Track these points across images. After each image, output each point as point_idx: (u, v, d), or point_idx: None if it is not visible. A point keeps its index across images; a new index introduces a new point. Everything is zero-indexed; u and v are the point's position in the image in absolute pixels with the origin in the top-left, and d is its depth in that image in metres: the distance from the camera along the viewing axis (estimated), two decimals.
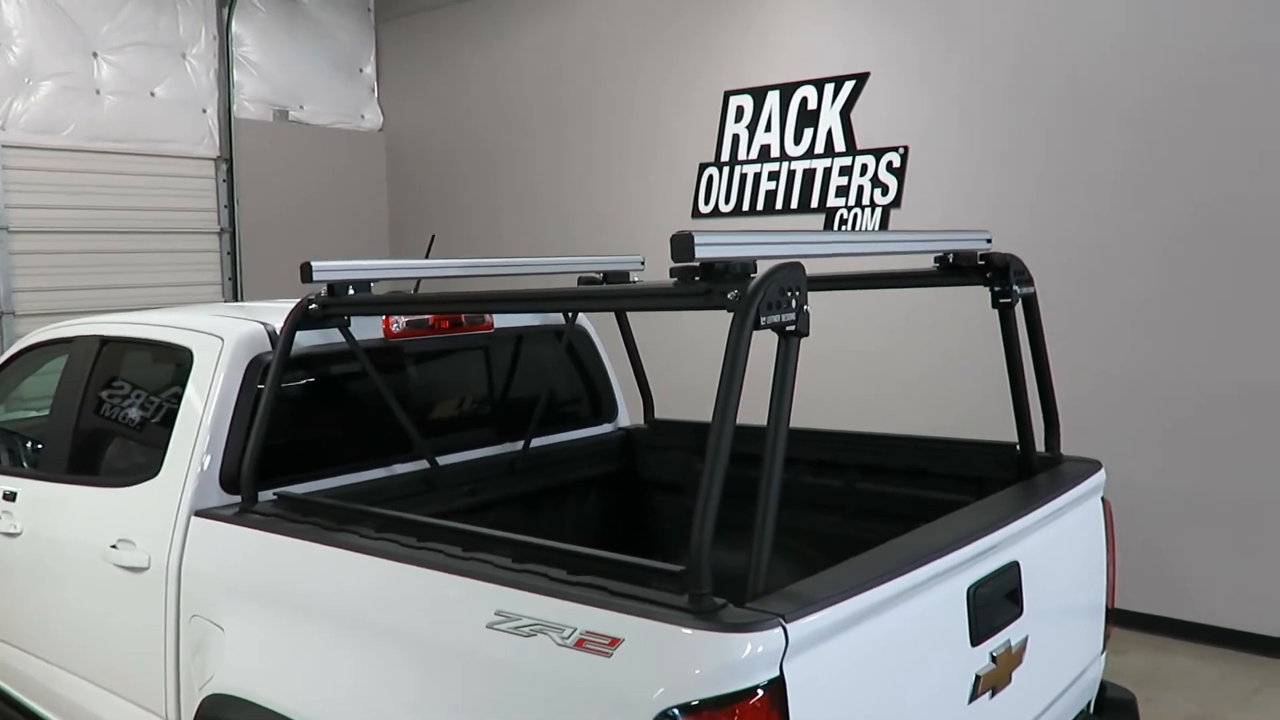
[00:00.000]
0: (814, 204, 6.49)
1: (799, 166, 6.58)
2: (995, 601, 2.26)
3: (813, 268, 2.97)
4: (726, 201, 6.92)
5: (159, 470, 2.98)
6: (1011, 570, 2.34)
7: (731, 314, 1.86)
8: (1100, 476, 2.86)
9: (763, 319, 1.85)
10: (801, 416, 3.74)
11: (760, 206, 6.74)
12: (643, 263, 3.69)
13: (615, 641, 1.81)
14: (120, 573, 2.98)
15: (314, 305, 2.83)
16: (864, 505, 3.32)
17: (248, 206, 8.16)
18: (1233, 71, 4.91)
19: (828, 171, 6.44)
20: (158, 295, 7.35)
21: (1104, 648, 2.93)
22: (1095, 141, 5.34)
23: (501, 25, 8.15)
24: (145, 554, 2.90)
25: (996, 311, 2.79)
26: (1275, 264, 4.84)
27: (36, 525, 3.40)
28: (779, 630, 1.73)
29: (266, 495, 2.84)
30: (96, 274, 7.37)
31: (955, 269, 2.78)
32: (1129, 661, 4.98)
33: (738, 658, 1.71)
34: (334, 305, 2.83)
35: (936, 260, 2.83)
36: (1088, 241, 5.40)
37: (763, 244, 2.03)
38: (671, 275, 2.03)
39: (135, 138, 7.58)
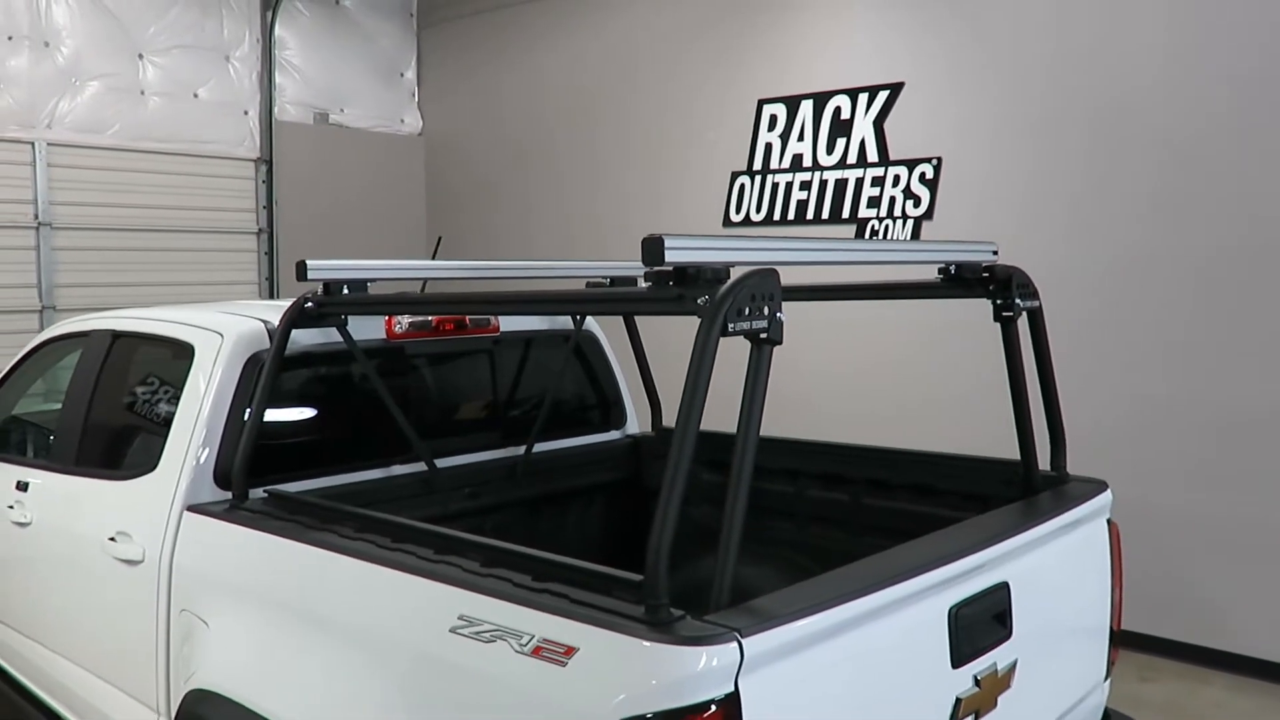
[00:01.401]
0: (845, 214, 6.41)
1: (831, 176, 6.50)
2: (981, 623, 2.19)
3: (815, 277, 2.93)
4: (758, 211, 6.87)
5: (157, 464, 3.00)
6: (1000, 591, 2.26)
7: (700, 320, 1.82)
8: (1106, 497, 2.76)
9: (731, 325, 1.81)
10: (822, 430, 3.69)
11: (791, 216, 6.68)
12: None
13: (570, 650, 1.77)
14: (117, 565, 3.01)
15: (309, 304, 2.84)
16: (870, 521, 3.24)
17: (286, 208, 8.27)
18: (1269, 97, 4.76)
19: (860, 182, 6.36)
20: (195, 293, 7.48)
21: (1108, 674, 2.83)
22: (1130, 161, 5.21)
23: (540, 32, 8.18)
24: (140, 547, 2.92)
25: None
26: None
27: (44, 515, 3.45)
28: (734, 645, 1.68)
29: (260, 493, 2.85)
30: (136, 271, 7.51)
31: (959, 281, 2.71)
32: (1157, 690, 4.83)
33: (691, 671, 1.67)
34: (329, 304, 2.83)
35: (940, 272, 2.76)
36: (1120, 261, 5.26)
37: (738, 250, 1.98)
38: (646, 280, 1.99)
39: (178, 138, 7.71)
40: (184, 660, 2.70)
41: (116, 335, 3.52)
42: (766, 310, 1.86)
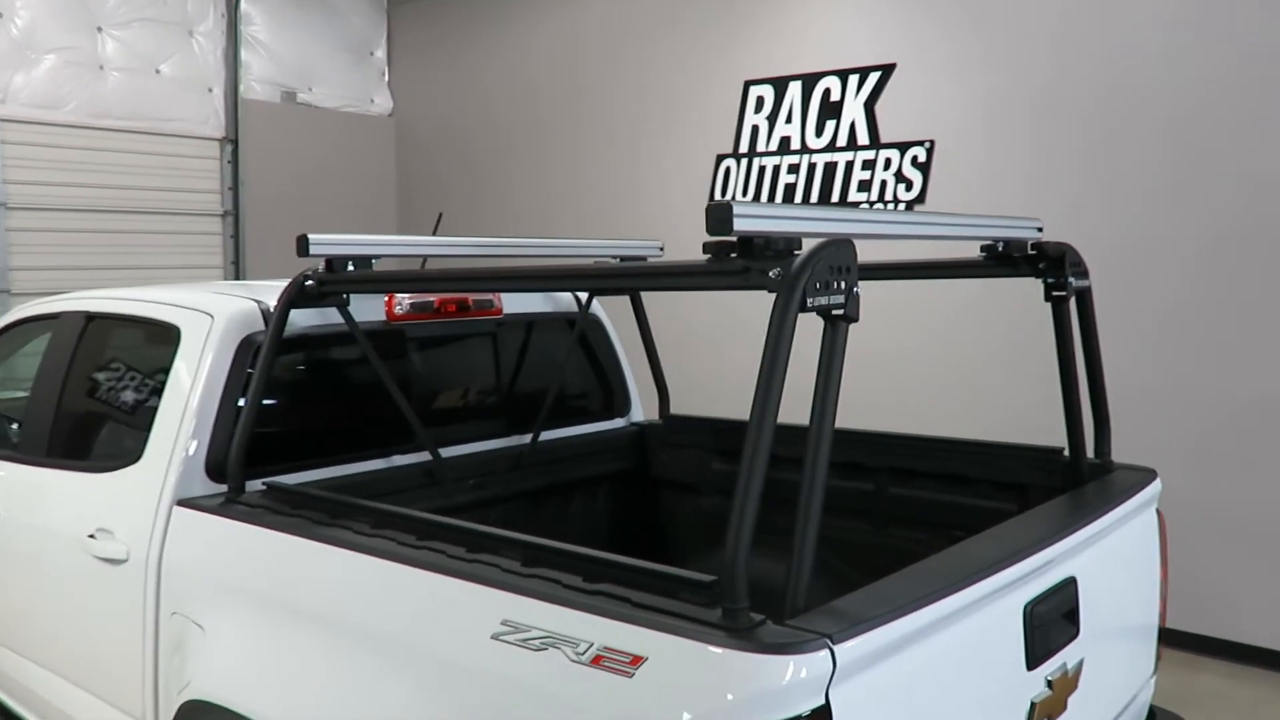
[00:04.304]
0: (835, 198, 6.27)
1: (820, 160, 6.36)
2: (1053, 621, 2.05)
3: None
4: (744, 194, 6.71)
5: (141, 455, 2.78)
6: (1069, 587, 2.13)
7: (774, 295, 1.66)
8: (1156, 486, 2.64)
9: (810, 300, 1.64)
10: (840, 416, 3.53)
11: (779, 200, 6.53)
12: (661, 249, 3.49)
13: (637, 660, 1.59)
14: (98, 564, 2.78)
15: (310, 282, 2.63)
16: (894, 512, 3.10)
17: (252, 189, 7.97)
18: (1273, 78, 4.68)
19: (850, 165, 6.23)
20: (158, 277, 7.17)
21: (1155, 670, 2.71)
22: (1130, 143, 5.11)
23: (517, 10, 7.94)
24: (124, 545, 2.70)
25: (1049, 305, 2.58)
26: None
27: (13, 511, 3.21)
28: (825, 653, 1.52)
29: (256, 485, 2.64)
30: (96, 254, 7.18)
31: (1004, 259, 2.57)
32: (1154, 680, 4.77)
33: (778, 683, 1.50)
34: (332, 282, 2.62)
35: (983, 249, 2.62)
36: (1120, 244, 5.17)
37: (808, 219, 1.82)
38: (705, 251, 1.82)
39: (139, 116, 7.38)
40: (176, 668, 2.49)
41: (90, 317, 3.27)
42: (843, 284, 1.70)
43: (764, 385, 1.63)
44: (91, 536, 2.80)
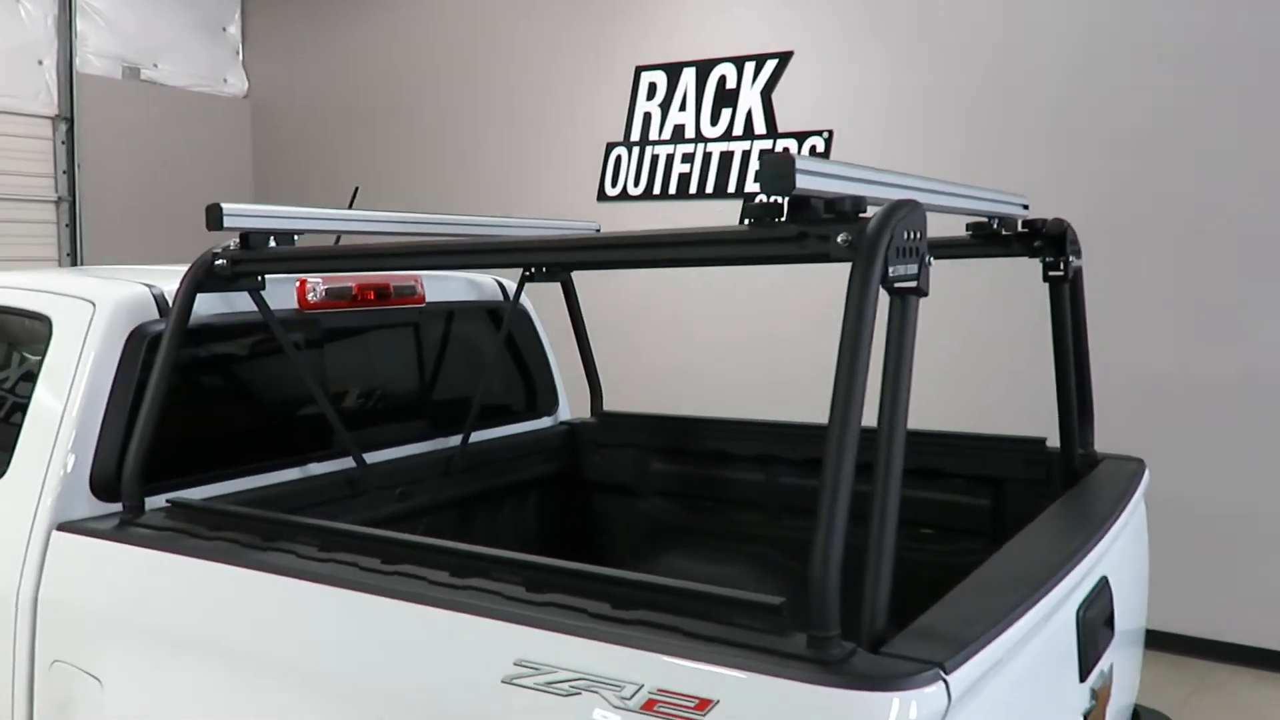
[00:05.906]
0: (731, 188, 6.11)
1: (715, 149, 6.19)
2: (1098, 626, 1.88)
3: None
4: (636, 184, 6.47)
5: (5, 470, 2.30)
6: (1105, 588, 1.97)
7: (849, 264, 1.41)
8: (1147, 477, 2.53)
9: (890, 269, 1.40)
10: (784, 412, 3.34)
11: (673, 190, 6.32)
12: (598, 229, 3.22)
13: (705, 704, 1.32)
14: None
15: (221, 261, 2.23)
16: (860, 510, 2.91)
17: (91, 173, 7.20)
18: (1172, 63, 4.77)
19: (746, 154, 6.07)
20: None
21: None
22: (1030, 133, 5.12)
23: None
24: None
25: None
26: (1216, 253, 4.73)
27: None
28: (939, 685, 1.28)
29: (154, 503, 2.22)
30: None
31: (994, 238, 2.40)
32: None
33: None
34: (248, 261, 2.22)
35: (970, 227, 2.45)
36: None
37: (879, 182, 1.58)
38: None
39: None
40: None
41: None
42: (917, 253, 1.47)
43: (845, 377, 1.38)
44: None
